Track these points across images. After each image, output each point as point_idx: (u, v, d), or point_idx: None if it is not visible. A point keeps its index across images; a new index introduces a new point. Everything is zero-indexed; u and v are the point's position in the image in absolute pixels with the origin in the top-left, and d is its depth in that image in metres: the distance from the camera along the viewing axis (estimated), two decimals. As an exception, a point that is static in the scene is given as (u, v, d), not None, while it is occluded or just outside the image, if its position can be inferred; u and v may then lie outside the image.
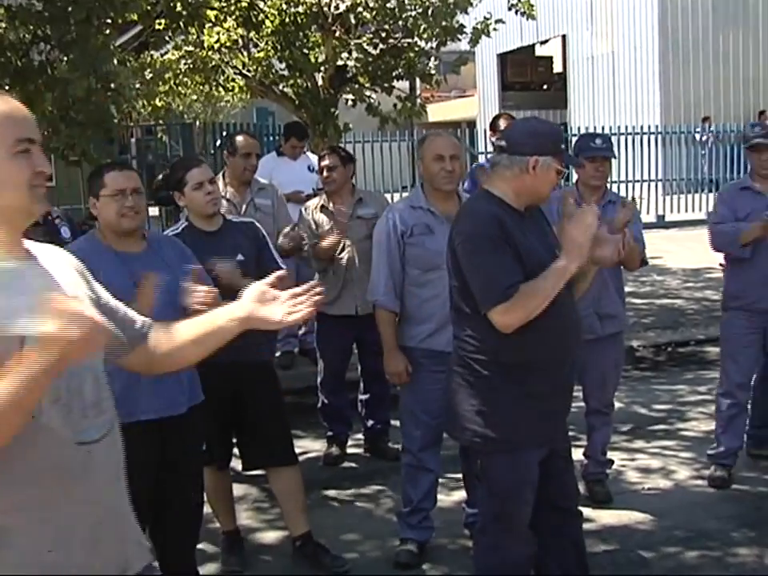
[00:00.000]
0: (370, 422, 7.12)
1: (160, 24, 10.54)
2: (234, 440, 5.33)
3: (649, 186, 21.60)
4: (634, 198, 4.93)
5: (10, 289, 2.26)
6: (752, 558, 5.21)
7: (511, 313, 3.76)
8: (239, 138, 6.88)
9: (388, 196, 9.75)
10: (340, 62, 11.82)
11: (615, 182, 19.81)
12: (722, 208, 6.21)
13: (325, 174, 6.75)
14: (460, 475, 5.56)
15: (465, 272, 3.91)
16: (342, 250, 6.65)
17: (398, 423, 7.27)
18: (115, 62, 9.25)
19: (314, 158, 9.51)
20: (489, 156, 8.52)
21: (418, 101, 12.97)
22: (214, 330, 2.74)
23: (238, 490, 5.90)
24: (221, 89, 13.32)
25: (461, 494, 5.74)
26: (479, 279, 3.86)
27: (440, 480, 5.64)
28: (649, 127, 22.50)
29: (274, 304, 2.70)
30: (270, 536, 5.76)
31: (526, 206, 3.99)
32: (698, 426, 6.79)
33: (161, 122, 15.87)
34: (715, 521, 5.70)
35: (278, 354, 8.03)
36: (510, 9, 12.45)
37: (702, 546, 5.36)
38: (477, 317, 3.89)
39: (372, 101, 12.24)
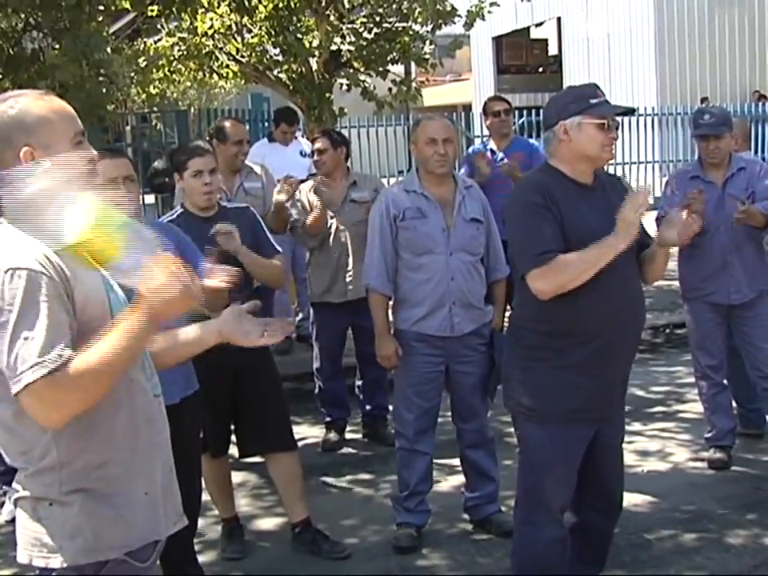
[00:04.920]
0: (368, 407, 7.12)
1: (152, 11, 10.46)
2: (232, 427, 5.32)
3: (646, 167, 21.56)
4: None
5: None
6: (751, 540, 5.21)
7: (544, 279, 3.79)
8: (229, 125, 6.73)
9: (384, 181, 9.72)
10: (334, 47, 11.77)
11: (612, 164, 19.79)
12: (674, 196, 5.95)
13: (315, 157, 6.78)
14: (457, 460, 5.57)
15: (509, 238, 4.04)
16: (335, 233, 6.66)
17: (396, 408, 7.28)
18: (108, 49, 9.21)
19: (306, 143, 9.49)
20: (484, 140, 8.48)
21: (414, 85, 12.92)
22: (191, 340, 2.94)
23: (236, 477, 5.90)
24: (215, 75, 13.25)
25: (458, 479, 5.75)
26: (517, 244, 3.97)
27: (437, 465, 5.65)
28: (645, 109, 22.43)
29: (251, 324, 2.91)
30: (269, 522, 5.76)
31: (590, 176, 4.00)
32: (697, 407, 6.78)
33: (155, 109, 15.82)
34: (714, 502, 5.70)
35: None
36: (503, -9, 12.42)
37: (702, 528, 5.37)
38: (523, 284, 3.92)
39: (367, 85, 12.20)
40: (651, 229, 4.32)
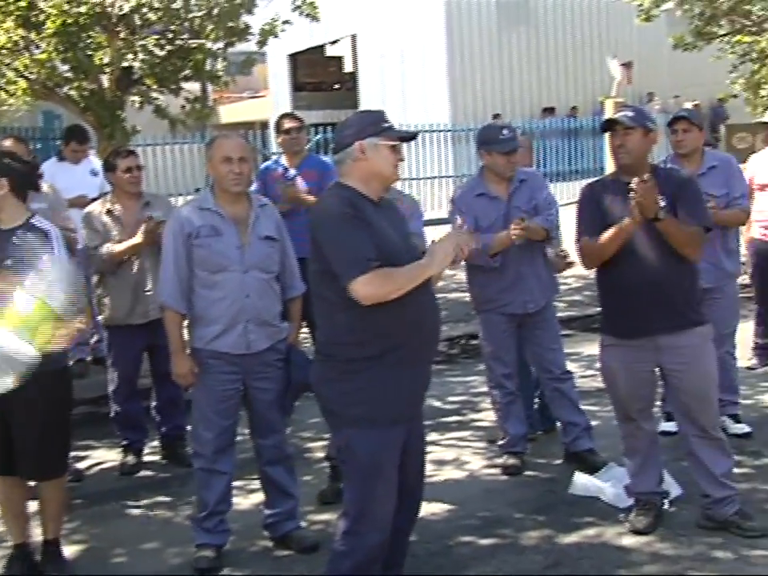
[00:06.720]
0: (165, 429, 7.03)
1: (-67, 25, 10.12)
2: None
3: (440, 182, 22.02)
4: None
5: None
6: (544, 541, 5.38)
7: (371, 285, 3.94)
8: (10, 146, 6.53)
9: (181, 199, 9.61)
10: (125, 64, 11.58)
11: (407, 179, 20.15)
12: (467, 220, 5.77)
13: (131, 174, 6.64)
14: (257, 477, 5.56)
15: (325, 250, 4.05)
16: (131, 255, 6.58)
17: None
18: None
19: (97, 162, 9.28)
20: (277, 157, 8.49)
21: (209, 102, 12.85)
22: None
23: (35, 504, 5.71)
24: (2, 92, 12.87)
25: (258, 496, 5.73)
26: (339, 252, 4.02)
27: (237, 483, 5.62)
28: (439, 125, 22.93)
29: None
30: (65, 550, 5.60)
31: (380, 195, 4.23)
32: (491, 416, 6.95)
33: (-61, 127, 15.28)
34: (509, 507, 5.86)
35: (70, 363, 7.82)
36: (294, 10, 12.47)
37: (497, 533, 5.50)
38: (336, 299, 4.06)
39: (160, 103, 12.07)
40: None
